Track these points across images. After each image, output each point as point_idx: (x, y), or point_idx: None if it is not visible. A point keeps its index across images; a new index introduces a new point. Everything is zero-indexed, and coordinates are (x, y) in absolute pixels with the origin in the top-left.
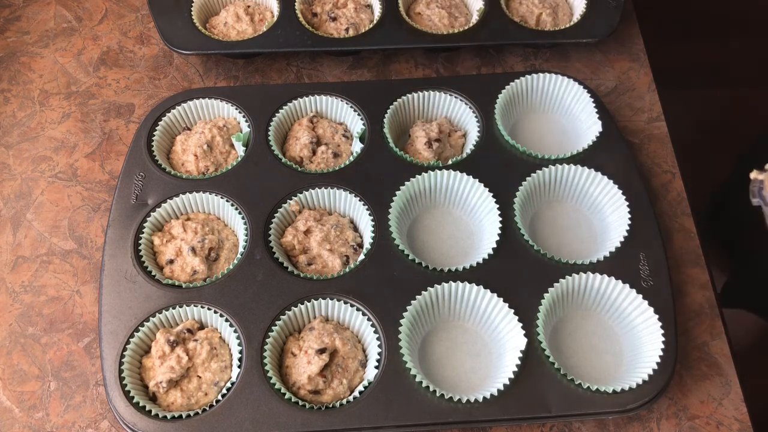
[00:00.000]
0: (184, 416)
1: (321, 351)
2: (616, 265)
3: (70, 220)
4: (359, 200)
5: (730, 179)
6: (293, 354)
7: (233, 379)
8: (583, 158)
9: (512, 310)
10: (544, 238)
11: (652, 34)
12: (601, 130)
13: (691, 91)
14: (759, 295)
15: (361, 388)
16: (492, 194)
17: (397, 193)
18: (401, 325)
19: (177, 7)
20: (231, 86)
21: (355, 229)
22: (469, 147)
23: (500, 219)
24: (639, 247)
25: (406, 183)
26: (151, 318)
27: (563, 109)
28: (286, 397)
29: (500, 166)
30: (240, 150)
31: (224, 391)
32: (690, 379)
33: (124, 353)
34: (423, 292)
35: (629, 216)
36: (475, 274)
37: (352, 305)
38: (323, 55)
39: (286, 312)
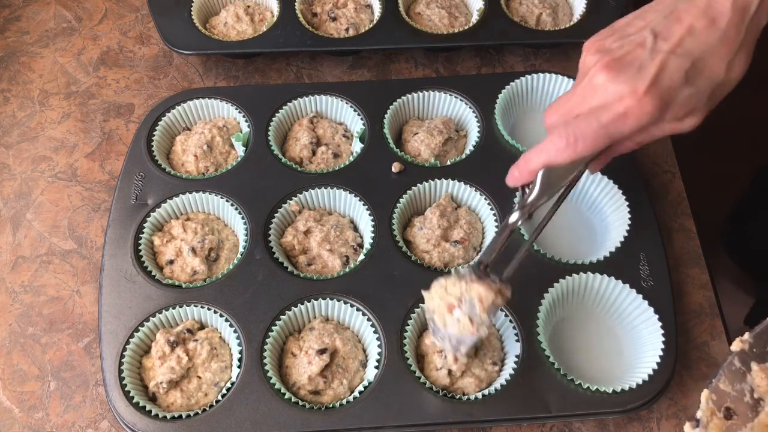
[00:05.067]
0: (184, 416)
1: (321, 351)
2: (616, 265)
3: (70, 220)
4: (359, 200)
5: (730, 179)
6: (293, 354)
7: (233, 379)
8: None
9: (512, 310)
10: (545, 238)
11: None
12: None
13: None
14: (759, 294)
15: (361, 388)
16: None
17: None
18: (407, 325)
19: (177, 7)
20: (231, 86)
21: (355, 229)
22: (469, 147)
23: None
24: (639, 247)
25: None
26: (151, 318)
27: None
28: (286, 397)
29: (500, 166)
30: (240, 150)
31: (224, 391)
32: (690, 379)
33: (124, 353)
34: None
35: (629, 216)
36: None
37: (352, 305)
38: (323, 55)
39: (286, 312)
